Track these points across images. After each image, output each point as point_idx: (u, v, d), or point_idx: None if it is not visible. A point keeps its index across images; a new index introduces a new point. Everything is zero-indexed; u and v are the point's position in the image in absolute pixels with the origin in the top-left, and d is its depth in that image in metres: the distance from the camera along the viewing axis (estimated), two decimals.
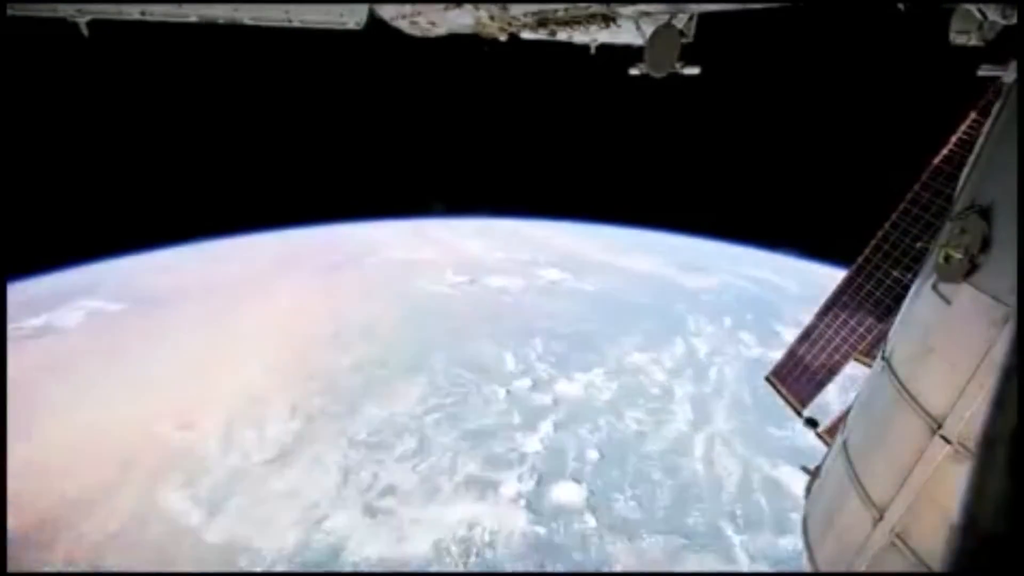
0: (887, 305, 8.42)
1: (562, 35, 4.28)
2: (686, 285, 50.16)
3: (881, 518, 3.63)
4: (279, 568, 21.70)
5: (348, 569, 21.80)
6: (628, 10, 3.58)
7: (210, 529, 23.03)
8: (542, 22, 3.98)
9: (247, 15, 3.77)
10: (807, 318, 9.93)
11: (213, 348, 35.70)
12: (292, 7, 3.83)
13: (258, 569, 21.63)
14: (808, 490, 5.56)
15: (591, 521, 24.14)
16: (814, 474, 5.64)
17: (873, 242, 8.48)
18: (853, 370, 9.02)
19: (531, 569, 21.87)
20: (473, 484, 26.02)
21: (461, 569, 21.66)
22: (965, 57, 3.78)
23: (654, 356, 38.00)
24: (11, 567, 19.96)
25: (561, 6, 3.64)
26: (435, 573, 21.48)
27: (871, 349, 8.53)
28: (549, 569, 21.94)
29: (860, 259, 8.75)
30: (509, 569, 21.79)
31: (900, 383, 3.73)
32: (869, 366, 5.26)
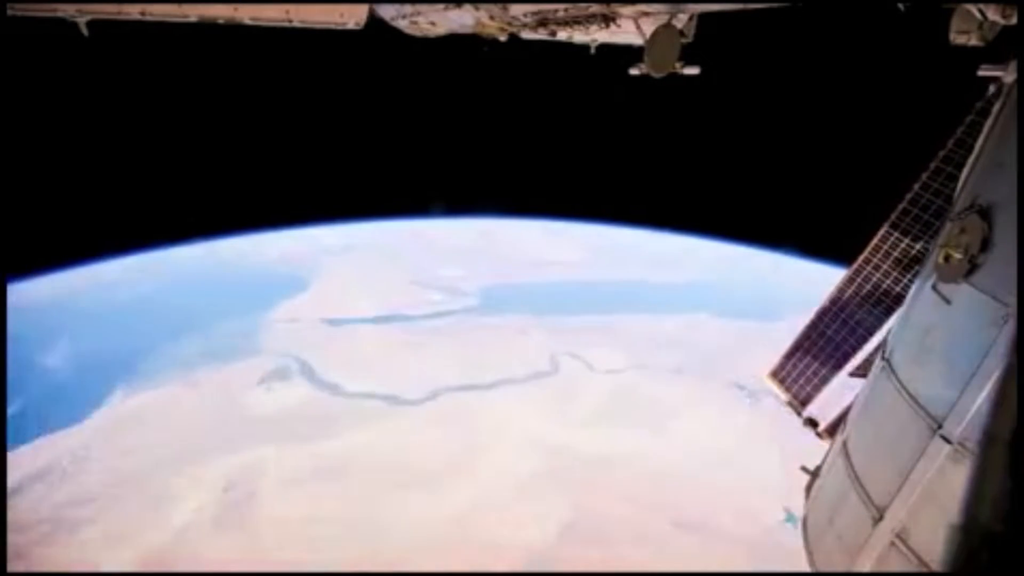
0: (887, 305, 8.42)
1: (562, 35, 4.29)
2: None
3: (881, 518, 3.63)
4: None
5: None
6: (628, 10, 3.58)
7: None
8: (542, 22, 3.98)
9: (247, 15, 3.77)
10: (806, 318, 9.93)
11: None
12: (292, 7, 3.83)
13: None
14: (808, 490, 5.56)
15: None
16: (814, 474, 5.65)
17: (872, 242, 8.49)
18: (853, 371, 9.01)
19: None
20: None
21: None
22: (965, 57, 3.79)
23: None
24: None
25: (561, 6, 3.64)
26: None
27: (869, 354, 8.53)
28: None
29: (859, 259, 8.75)
30: None
31: (900, 383, 3.73)
32: (864, 377, 5.28)
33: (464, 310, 44.48)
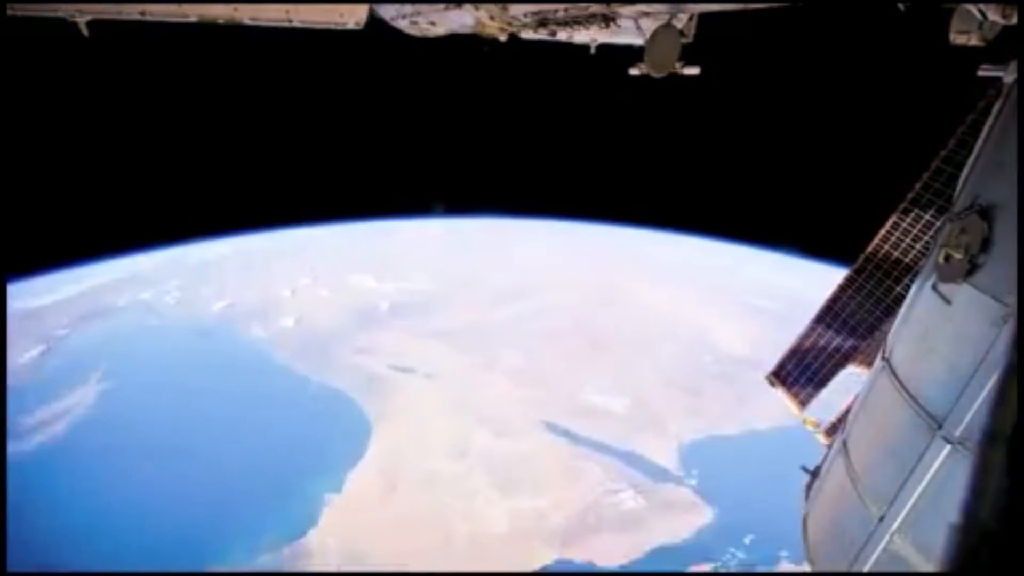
0: (887, 305, 8.42)
1: (562, 35, 4.29)
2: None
3: (881, 518, 3.63)
4: None
5: None
6: (628, 10, 3.58)
7: None
8: (542, 22, 3.98)
9: (247, 15, 3.77)
10: (807, 317, 9.92)
11: None
12: (292, 7, 3.84)
13: None
14: (808, 490, 5.56)
15: None
16: (814, 474, 5.65)
17: (874, 241, 8.48)
18: (853, 370, 9.02)
19: None
20: None
21: None
22: (965, 57, 3.79)
23: None
24: None
25: (561, 6, 3.64)
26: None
27: (869, 354, 8.53)
28: None
29: (861, 259, 8.74)
30: None
31: (900, 383, 3.73)
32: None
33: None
